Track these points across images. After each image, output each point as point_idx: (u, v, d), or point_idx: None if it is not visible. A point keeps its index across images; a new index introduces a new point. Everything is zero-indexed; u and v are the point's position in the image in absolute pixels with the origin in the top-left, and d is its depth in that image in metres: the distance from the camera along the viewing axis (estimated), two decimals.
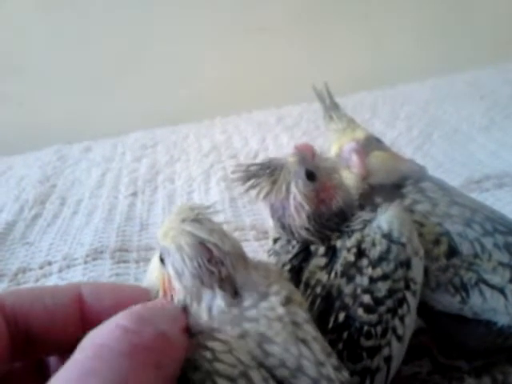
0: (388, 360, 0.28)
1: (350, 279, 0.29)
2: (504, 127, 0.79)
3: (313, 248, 0.31)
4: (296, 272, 0.31)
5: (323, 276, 0.30)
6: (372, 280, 0.28)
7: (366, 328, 0.28)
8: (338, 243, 0.30)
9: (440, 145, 0.77)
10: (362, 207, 0.34)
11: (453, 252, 0.32)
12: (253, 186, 0.31)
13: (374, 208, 0.32)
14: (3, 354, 0.24)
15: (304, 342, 0.23)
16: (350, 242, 0.30)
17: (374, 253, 0.29)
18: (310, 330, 0.24)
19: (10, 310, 0.24)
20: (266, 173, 0.31)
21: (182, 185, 0.74)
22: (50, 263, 0.57)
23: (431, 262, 0.32)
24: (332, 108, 0.40)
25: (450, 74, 1.07)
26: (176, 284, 0.25)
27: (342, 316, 0.28)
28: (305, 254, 0.31)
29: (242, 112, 1.03)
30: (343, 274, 0.29)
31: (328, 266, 0.30)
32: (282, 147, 0.83)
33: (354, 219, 0.31)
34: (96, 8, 1.10)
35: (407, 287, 0.29)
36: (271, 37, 1.14)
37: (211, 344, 0.22)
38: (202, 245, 0.24)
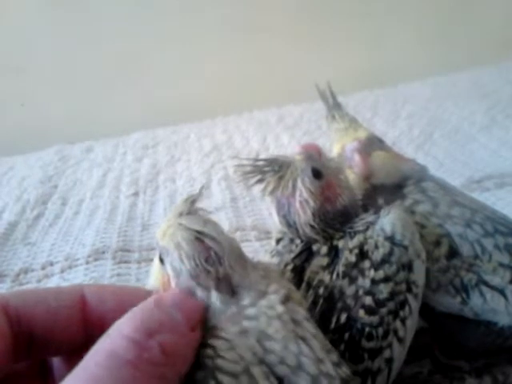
0: (389, 362, 0.28)
1: (352, 280, 0.29)
2: (505, 126, 0.79)
3: (315, 247, 0.31)
4: (298, 272, 0.31)
5: (325, 276, 0.30)
6: (374, 282, 0.28)
7: (367, 329, 0.28)
8: (341, 243, 0.31)
9: (441, 144, 0.77)
10: (364, 207, 0.34)
11: (453, 253, 0.32)
12: (259, 181, 0.31)
13: (377, 210, 0.32)
14: (6, 355, 0.24)
15: (303, 339, 0.23)
16: (353, 243, 0.30)
17: (377, 255, 0.29)
18: (309, 328, 0.24)
19: (13, 311, 0.25)
20: (272, 169, 0.31)
21: (183, 185, 0.74)
22: (51, 264, 0.57)
23: (432, 263, 0.32)
24: (334, 107, 0.40)
25: (451, 74, 1.07)
26: (174, 283, 0.25)
27: (343, 317, 0.28)
28: (307, 253, 0.32)
29: (243, 112, 1.03)
30: (345, 275, 0.29)
31: (330, 267, 0.30)
32: (282, 147, 0.83)
33: (358, 220, 0.31)
34: (97, 9, 1.11)
35: (409, 290, 0.29)
36: (272, 37, 1.14)
37: (213, 342, 0.23)
38: (199, 242, 0.24)
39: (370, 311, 0.28)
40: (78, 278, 0.53)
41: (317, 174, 0.31)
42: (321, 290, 0.30)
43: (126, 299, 0.26)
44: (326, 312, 0.29)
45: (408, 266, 0.29)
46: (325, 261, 0.30)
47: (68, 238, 0.63)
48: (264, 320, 0.23)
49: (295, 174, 0.31)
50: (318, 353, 0.23)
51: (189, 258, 0.24)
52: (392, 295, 0.28)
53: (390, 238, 0.29)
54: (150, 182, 0.77)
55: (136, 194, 0.73)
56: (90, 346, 0.22)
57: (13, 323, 0.24)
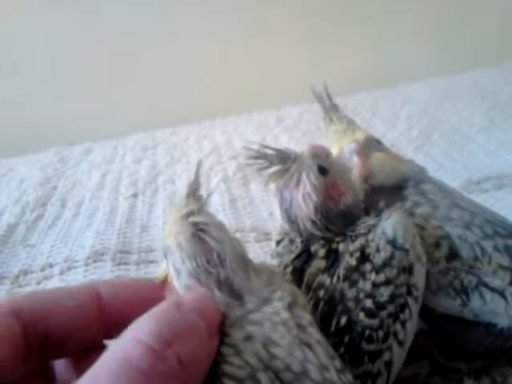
0: (389, 364, 0.28)
1: (353, 283, 0.29)
2: (504, 128, 0.79)
3: (313, 249, 0.31)
4: (298, 273, 0.31)
5: (325, 279, 0.30)
6: (375, 285, 0.28)
7: (367, 332, 0.28)
8: (341, 247, 0.31)
9: (440, 145, 0.77)
10: (365, 209, 0.34)
11: (453, 255, 0.32)
12: (264, 168, 0.31)
13: (378, 212, 0.32)
14: (18, 359, 0.24)
15: (308, 345, 0.23)
16: (354, 246, 0.30)
17: (378, 259, 0.29)
18: (314, 333, 0.24)
19: (27, 315, 0.24)
20: (279, 158, 0.31)
21: (183, 186, 0.74)
22: (51, 265, 0.57)
23: (432, 265, 0.32)
24: (331, 109, 0.40)
25: (450, 75, 1.07)
26: (175, 283, 0.25)
27: (344, 320, 0.28)
28: (307, 255, 0.31)
29: (242, 113, 1.03)
30: (346, 278, 0.29)
31: (330, 270, 0.30)
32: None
33: (360, 223, 0.31)
34: (96, 9, 1.11)
35: (409, 293, 0.29)
36: (271, 37, 1.15)
37: (220, 349, 0.22)
38: (202, 242, 0.24)
39: (370, 314, 0.28)
40: (77, 279, 0.53)
41: (322, 170, 0.31)
42: (321, 293, 0.30)
43: (141, 293, 0.26)
44: (327, 315, 0.29)
45: (409, 270, 0.29)
46: (322, 263, 0.30)
47: (67, 239, 0.63)
48: (269, 325, 0.23)
49: (301, 167, 0.31)
50: (322, 359, 0.23)
51: (190, 258, 0.24)
52: (392, 298, 0.28)
53: (392, 242, 0.29)
54: (150, 184, 0.77)
55: (135, 195, 0.73)
56: (105, 344, 0.22)
57: (27, 327, 0.24)
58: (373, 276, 0.29)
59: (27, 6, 1.09)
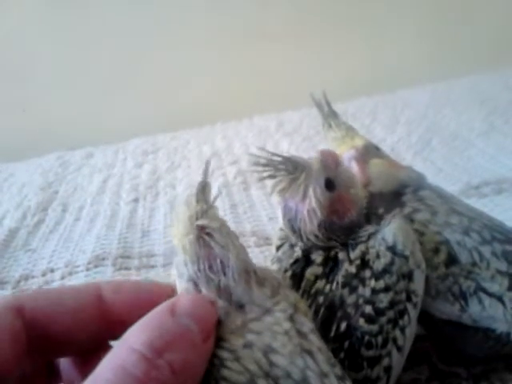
0: (388, 370, 0.28)
1: (353, 289, 0.29)
2: (504, 132, 0.79)
3: (313, 255, 0.31)
4: (297, 278, 0.31)
5: (324, 286, 0.30)
6: (374, 291, 0.29)
7: (366, 338, 0.28)
8: (341, 255, 0.31)
9: (439, 150, 0.77)
10: (366, 215, 0.34)
11: (452, 260, 0.32)
12: (270, 177, 0.30)
13: (378, 219, 0.32)
14: (20, 358, 0.24)
15: (309, 352, 0.23)
16: (354, 254, 0.30)
17: (378, 265, 0.29)
18: (315, 341, 0.24)
19: (30, 314, 0.24)
20: (287, 168, 0.30)
21: (183, 191, 0.74)
22: (52, 270, 0.57)
23: (431, 270, 0.32)
24: (330, 116, 0.40)
25: (449, 79, 1.07)
26: (177, 284, 0.25)
27: (343, 326, 0.29)
28: (305, 260, 0.32)
29: (243, 118, 1.04)
30: (346, 284, 0.29)
31: (329, 276, 0.30)
32: (282, 153, 0.83)
33: (361, 232, 0.31)
34: (96, 14, 1.11)
35: (408, 299, 0.29)
36: (271, 42, 1.15)
37: (217, 352, 0.22)
38: (206, 247, 0.24)
39: (369, 320, 0.28)
40: None
41: (329, 185, 0.30)
42: (321, 299, 0.30)
43: (145, 294, 0.26)
44: (327, 320, 0.29)
45: (408, 276, 0.29)
46: (319, 270, 0.31)
47: (68, 244, 0.63)
48: (269, 334, 0.23)
49: (308, 180, 0.30)
50: (322, 367, 0.23)
51: (193, 261, 0.24)
52: (392, 304, 0.29)
53: (392, 248, 0.30)
54: (150, 189, 0.77)
55: (136, 200, 0.73)
56: (109, 344, 0.22)
57: (29, 326, 0.24)
58: (372, 282, 0.29)
59: (28, 11, 1.09)
